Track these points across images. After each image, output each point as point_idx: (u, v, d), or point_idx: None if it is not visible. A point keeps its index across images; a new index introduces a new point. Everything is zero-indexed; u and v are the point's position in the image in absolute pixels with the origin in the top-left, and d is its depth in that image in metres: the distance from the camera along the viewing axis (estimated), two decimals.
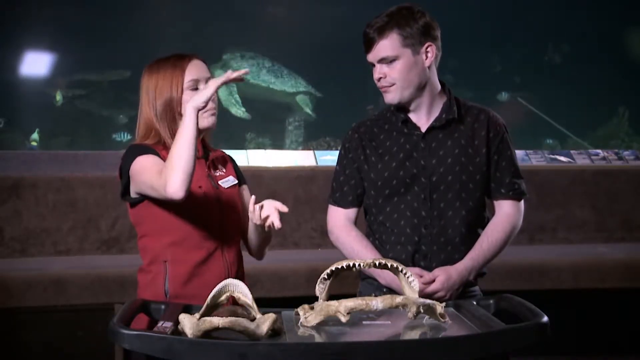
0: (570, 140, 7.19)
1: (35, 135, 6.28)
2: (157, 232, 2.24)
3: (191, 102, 2.11)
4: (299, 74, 7.01)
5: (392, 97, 2.40)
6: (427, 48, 2.38)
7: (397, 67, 2.37)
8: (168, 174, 2.09)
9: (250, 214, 2.18)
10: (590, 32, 7.40)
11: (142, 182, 2.19)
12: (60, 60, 6.82)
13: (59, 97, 6.41)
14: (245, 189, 2.44)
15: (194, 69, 2.29)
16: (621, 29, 7.61)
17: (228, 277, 2.17)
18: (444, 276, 2.34)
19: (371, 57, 2.40)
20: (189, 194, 2.13)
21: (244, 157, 4.74)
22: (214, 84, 2.11)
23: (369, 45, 2.39)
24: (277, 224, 2.14)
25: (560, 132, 7.25)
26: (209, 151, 2.37)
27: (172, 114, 2.27)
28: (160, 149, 2.26)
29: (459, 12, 6.49)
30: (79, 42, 6.62)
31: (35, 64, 6.75)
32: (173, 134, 2.22)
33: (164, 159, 2.20)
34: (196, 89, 2.27)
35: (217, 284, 1.86)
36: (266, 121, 7.01)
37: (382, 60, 2.37)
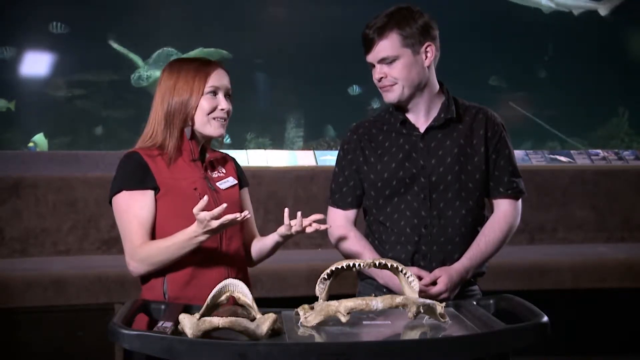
0: (566, 140, 7.20)
1: (36, 138, 6.27)
2: (154, 237, 2.23)
3: (208, 230, 2.09)
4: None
5: (393, 96, 2.40)
6: (426, 48, 2.38)
7: (397, 66, 2.36)
8: (142, 255, 2.18)
9: (286, 224, 2.26)
10: (590, 32, 7.39)
11: (118, 224, 2.26)
12: (60, 60, 6.82)
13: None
14: (245, 192, 2.43)
15: (217, 77, 2.28)
16: (621, 29, 7.60)
17: (228, 278, 2.17)
18: (446, 277, 2.34)
19: (371, 57, 2.39)
20: (185, 196, 2.20)
21: (244, 157, 4.73)
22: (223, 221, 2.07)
23: (368, 46, 2.38)
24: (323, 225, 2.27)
25: (557, 133, 7.26)
26: (207, 153, 2.34)
27: (184, 115, 2.25)
28: (155, 154, 2.25)
29: (457, 12, 6.49)
30: (79, 42, 6.62)
31: (35, 64, 6.74)
32: (177, 137, 2.24)
33: (155, 172, 2.21)
34: (215, 94, 2.27)
35: (217, 285, 1.86)
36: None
37: (382, 61, 2.37)
